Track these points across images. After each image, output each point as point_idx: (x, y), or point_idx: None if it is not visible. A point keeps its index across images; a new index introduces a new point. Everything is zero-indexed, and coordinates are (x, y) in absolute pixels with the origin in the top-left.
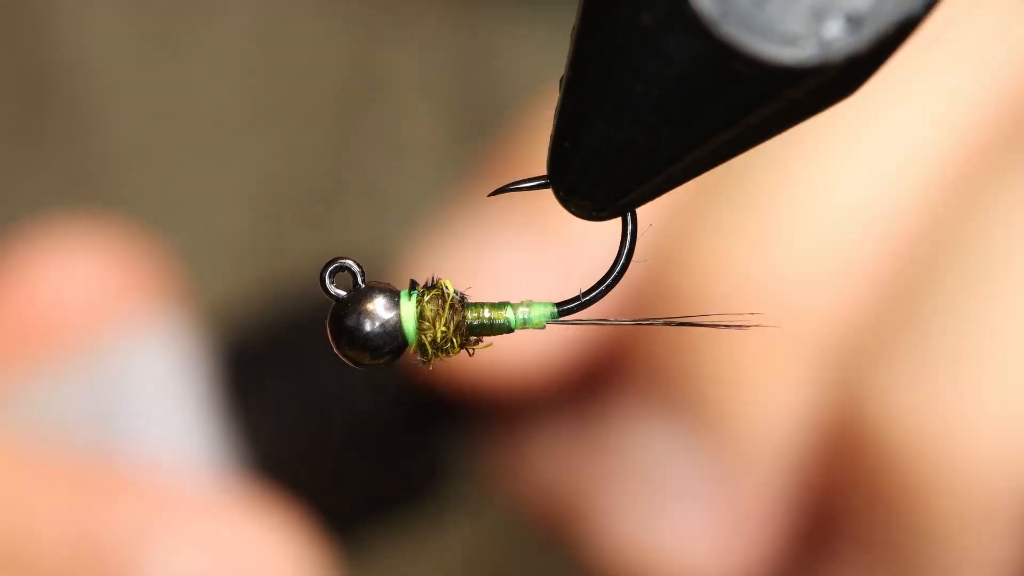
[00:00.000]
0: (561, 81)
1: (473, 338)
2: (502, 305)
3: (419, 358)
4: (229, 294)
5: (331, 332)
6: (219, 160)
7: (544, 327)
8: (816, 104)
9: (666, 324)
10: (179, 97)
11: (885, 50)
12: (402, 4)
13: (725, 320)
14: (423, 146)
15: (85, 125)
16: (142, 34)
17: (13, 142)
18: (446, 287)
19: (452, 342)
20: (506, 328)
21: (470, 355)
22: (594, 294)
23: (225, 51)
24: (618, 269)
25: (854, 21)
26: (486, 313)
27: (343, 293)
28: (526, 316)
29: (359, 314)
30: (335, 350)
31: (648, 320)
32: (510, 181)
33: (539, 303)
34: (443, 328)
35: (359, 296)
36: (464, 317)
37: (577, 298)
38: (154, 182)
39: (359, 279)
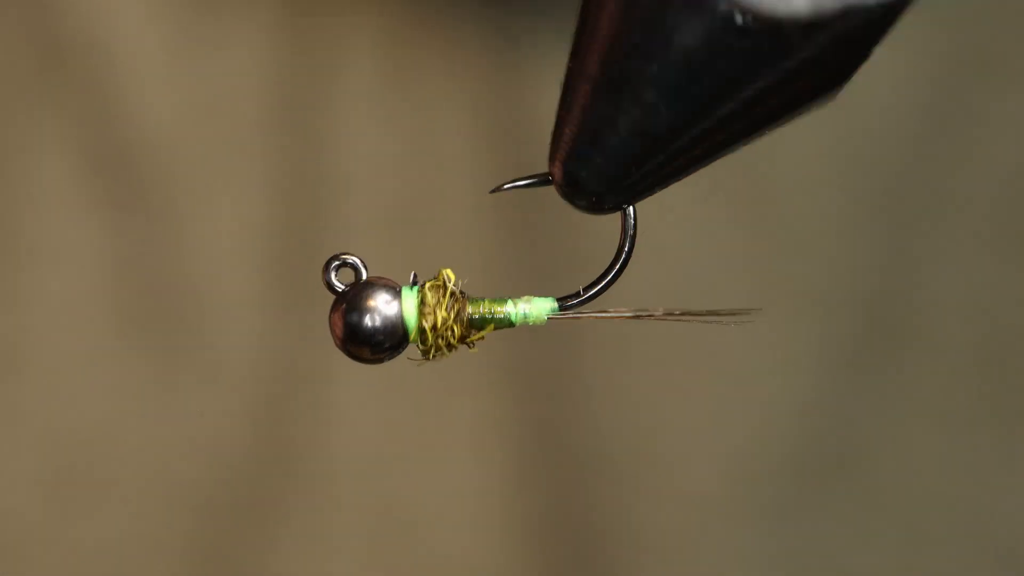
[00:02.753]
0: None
1: (473, 331)
2: (503, 299)
3: (419, 347)
4: (253, 285)
5: (332, 327)
6: (246, 151)
7: (545, 322)
8: (826, 74)
9: (665, 317)
10: (206, 85)
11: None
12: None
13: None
14: (451, 133)
15: (110, 109)
16: (170, 20)
17: (32, 118)
18: (447, 277)
19: (453, 330)
20: (506, 322)
21: (470, 348)
22: (595, 290)
23: (253, 41)
24: (619, 265)
25: None
26: (486, 306)
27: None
28: (526, 311)
29: (360, 309)
30: (337, 345)
31: (647, 313)
32: (510, 179)
33: (540, 298)
34: (444, 315)
35: (359, 291)
36: (465, 307)
37: (578, 293)
38: (180, 169)
39: (362, 274)
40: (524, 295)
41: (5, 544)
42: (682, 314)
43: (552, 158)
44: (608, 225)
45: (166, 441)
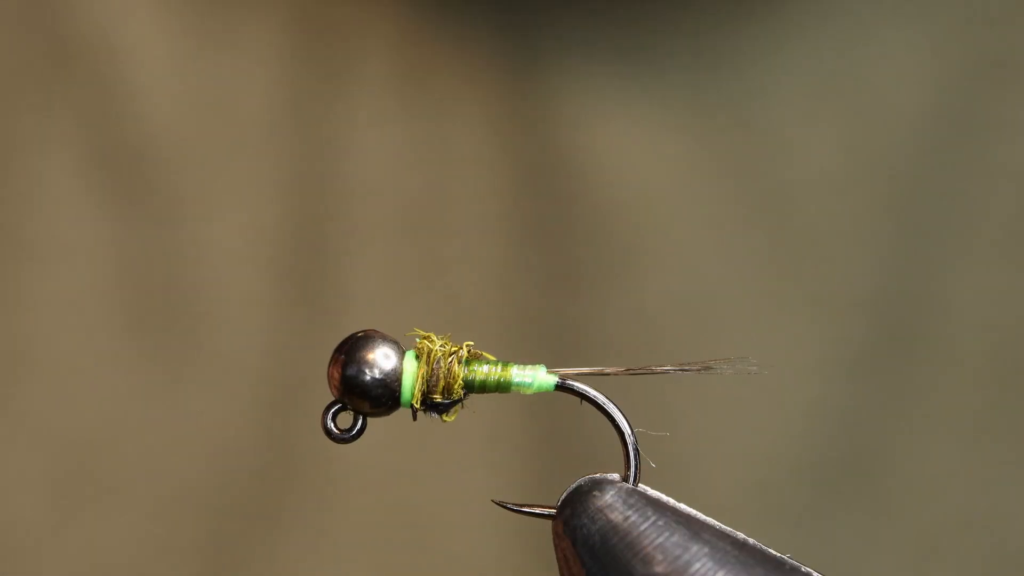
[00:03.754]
0: None
1: (469, 395)
2: (505, 364)
3: (416, 408)
4: (260, 288)
5: (328, 378)
6: (254, 151)
7: (552, 389)
8: None
9: (663, 372)
10: (215, 86)
11: None
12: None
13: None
14: (465, 137)
15: (117, 109)
16: (178, 18)
17: (38, 117)
18: (446, 345)
19: (451, 392)
20: (505, 387)
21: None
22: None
23: (263, 42)
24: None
25: None
26: (485, 368)
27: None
28: (531, 380)
29: (358, 363)
30: (335, 397)
31: (644, 369)
32: (520, 503)
33: (543, 368)
34: (445, 379)
35: (359, 346)
36: (465, 371)
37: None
38: (187, 170)
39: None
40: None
41: (11, 546)
42: (679, 368)
43: None
44: (612, 229)
45: (172, 444)
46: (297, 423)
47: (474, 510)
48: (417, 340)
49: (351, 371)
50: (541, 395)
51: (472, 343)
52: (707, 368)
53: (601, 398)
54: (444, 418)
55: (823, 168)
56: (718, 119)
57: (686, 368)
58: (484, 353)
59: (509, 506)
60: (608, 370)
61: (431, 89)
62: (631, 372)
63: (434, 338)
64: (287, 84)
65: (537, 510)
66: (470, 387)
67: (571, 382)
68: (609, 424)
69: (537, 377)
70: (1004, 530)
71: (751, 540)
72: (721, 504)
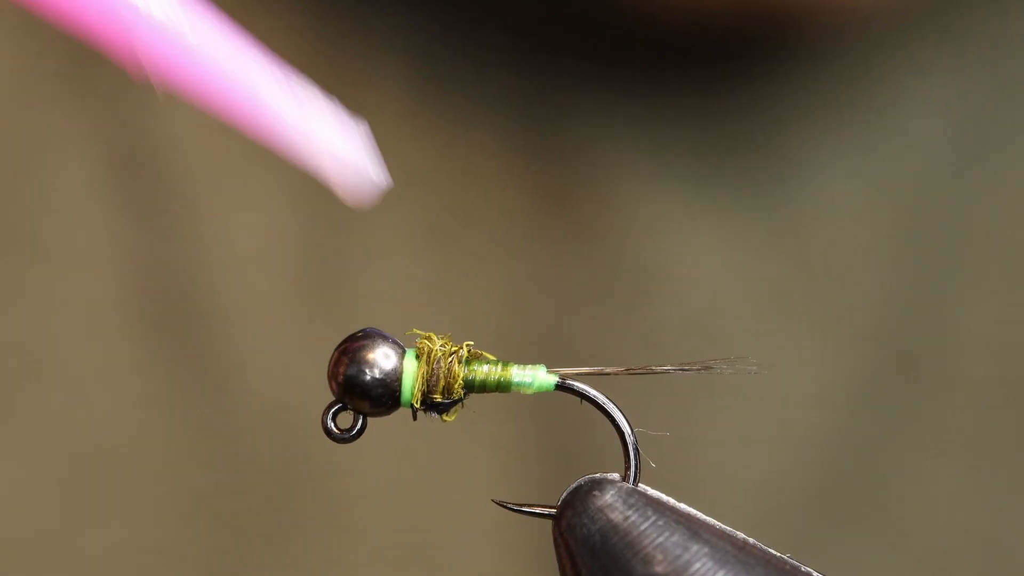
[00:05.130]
0: None
1: (469, 394)
2: (505, 364)
3: (416, 407)
4: (275, 296)
5: (330, 378)
6: (269, 160)
7: (552, 388)
8: None
9: (663, 372)
10: None
11: None
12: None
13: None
14: (478, 136)
15: (132, 116)
16: None
17: (55, 124)
18: (446, 345)
19: (451, 392)
20: (505, 387)
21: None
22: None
23: (281, 51)
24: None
25: None
26: (485, 368)
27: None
28: (532, 380)
29: (359, 363)
30: (334, 396)
31: (644, 369)
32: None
33: (542, 368)
34: (445, 379)
35: (361, 346)
36: (465, 371)
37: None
38: (202, 178)
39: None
40: (542, 319)
41: (22, 548)
42: (679, 368)
43: None
44: (625, 251)
45: (184, 451)
46: (309, 433)
47: (480, 523)
48: (417, 340)
49: (351, 371)
50: (545, 400)
51: (472, 343)
52: (707, 368)
53: (601, 397)
54: (444, 418)
55: (837, 196)
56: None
57: (686, 368)
58: (484, 353)
59: (510, 506)
60: (608, 370)
61: (448, 101)
62: (631, 372)
63: (434, 338)
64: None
65: (538, 510)
66: (470, 387)
67: (571, 382)
68: (610, 425)
69: (537, 377)
70: (1009, 553)
71: (751, 540)
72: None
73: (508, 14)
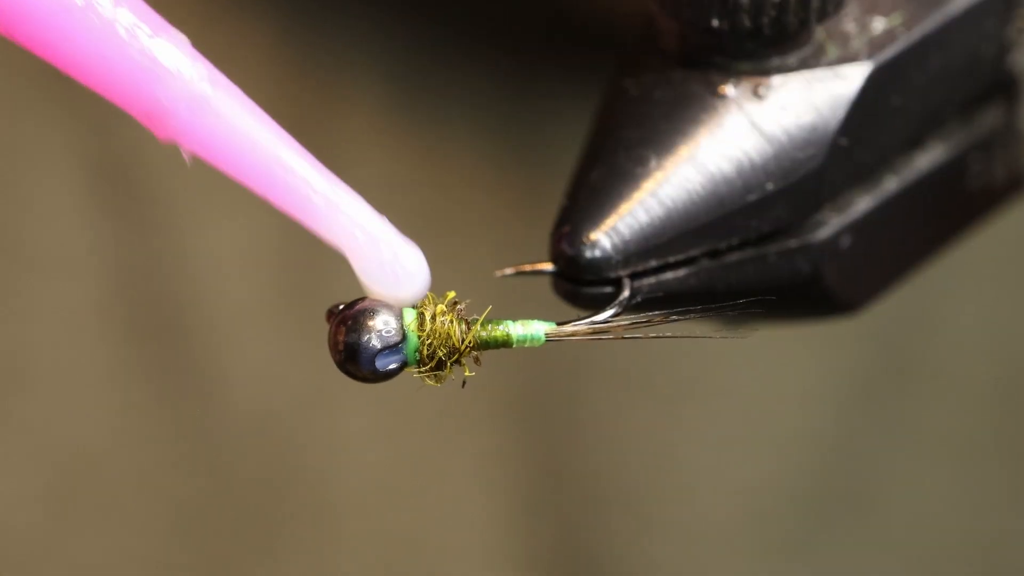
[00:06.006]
0: None
1: (474, 353)
2: (502, 321)
3: (419, 371)
4: (260, 303)
5: (331, 346)
6: None
7: (543, 342)
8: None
9: (671, 335)
10: None
11: None
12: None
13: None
14: (467, 140)
15: (115, 119)
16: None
17: (37, 128)
18: (447, 299)
19: (458, 352)
20: (506, 343)
21: (465, 371)
22: (592, 319)
23: (262, 55)
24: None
25: None
26: (487, 326)
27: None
28: (524, 332)
29: (359, 329)
30: (335, 362)
31: (644, 319)
32: (522, 265)
33: (539, 320)
34: (442, 333)
35: (359, 310)
36: (467, 328)
37: (578, 318)
38: (186, 183)
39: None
40: (532, 317)
41: (7, 560)
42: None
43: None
44: None
45: (168, 459)
46: (294, 441)
47: (470, 530)
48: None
49: (351, 338)
50: (535, 405)
51: (456, 297)
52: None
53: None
54: (436, 381)
55: None
56: None
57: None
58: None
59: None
60: (612, 335)
61: (427, 104)
62: (634, 324)
63: (432, 296)
64: (285, 98)
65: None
66: (475, 344)
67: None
68: (602, 431)
69: (531, 329)
70: (1001, 557)
71: None
72: (720, 530)
73: (486, 19)
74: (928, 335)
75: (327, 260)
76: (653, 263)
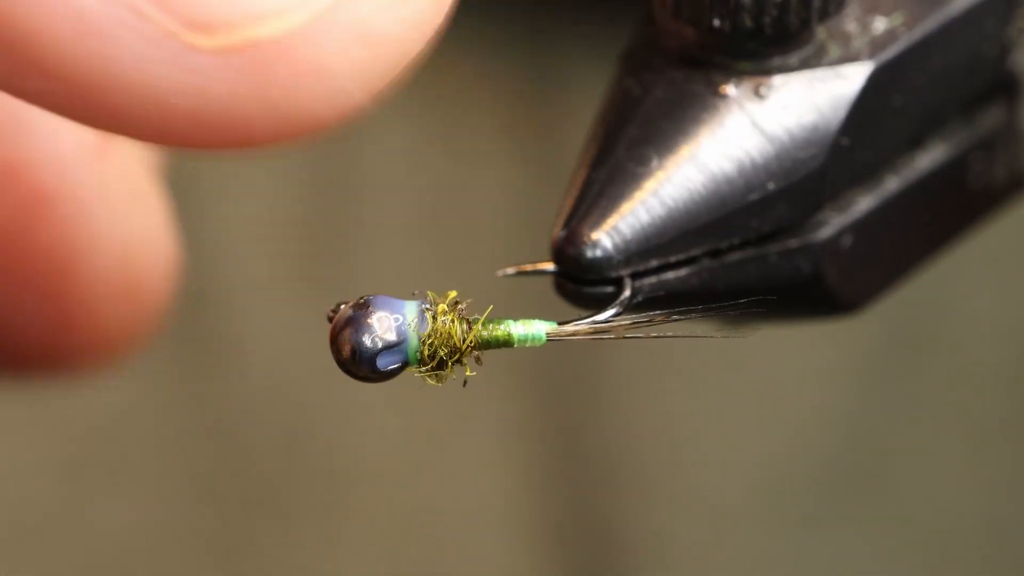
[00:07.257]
0: None
1: (475, 353)
2: (504, 320)
3: (420, 371)
4: (277, 276)
5: (332, 347)
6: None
7: (543, 342)
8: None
9: (673, 335)
10: None
11: None
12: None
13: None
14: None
15: None
16: None
17: None
18: (449, 299)
19: (459, 351)
20: (508, 342)
21: (467, 370)
22: (594, 319)
23: None
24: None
25: None
26: (489, 326)
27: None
28: (525, 332)
29: (360, 329)
30: (337, 365)
31: (650, 332)
32: (523, 265)
33: (540, 320)
34: (448, 336)
35: (360, 312)
36: (468, 328)
37: (579, 318)
38: (205, 161)
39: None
40: (533, 316)
41: (24, 528)
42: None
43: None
44: None
45: (184, 429)
46: (310, 410)
47: (482, 502)
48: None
49: (355, 337)
50: (548, 379)
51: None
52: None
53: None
54: (438, 381)
55: None
56: None
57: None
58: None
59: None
60: (612, 335)
61: (444, 84)
62: (635, 323)
63: (433, 296)
64: None
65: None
66: (476, 344)
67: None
68: (617, 411)
69: (532, 329)
70: (1013, 537)
71: None
72: (734, 506)
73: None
74: (943, 316)
75: (344, 232)
76: (654, 262)
